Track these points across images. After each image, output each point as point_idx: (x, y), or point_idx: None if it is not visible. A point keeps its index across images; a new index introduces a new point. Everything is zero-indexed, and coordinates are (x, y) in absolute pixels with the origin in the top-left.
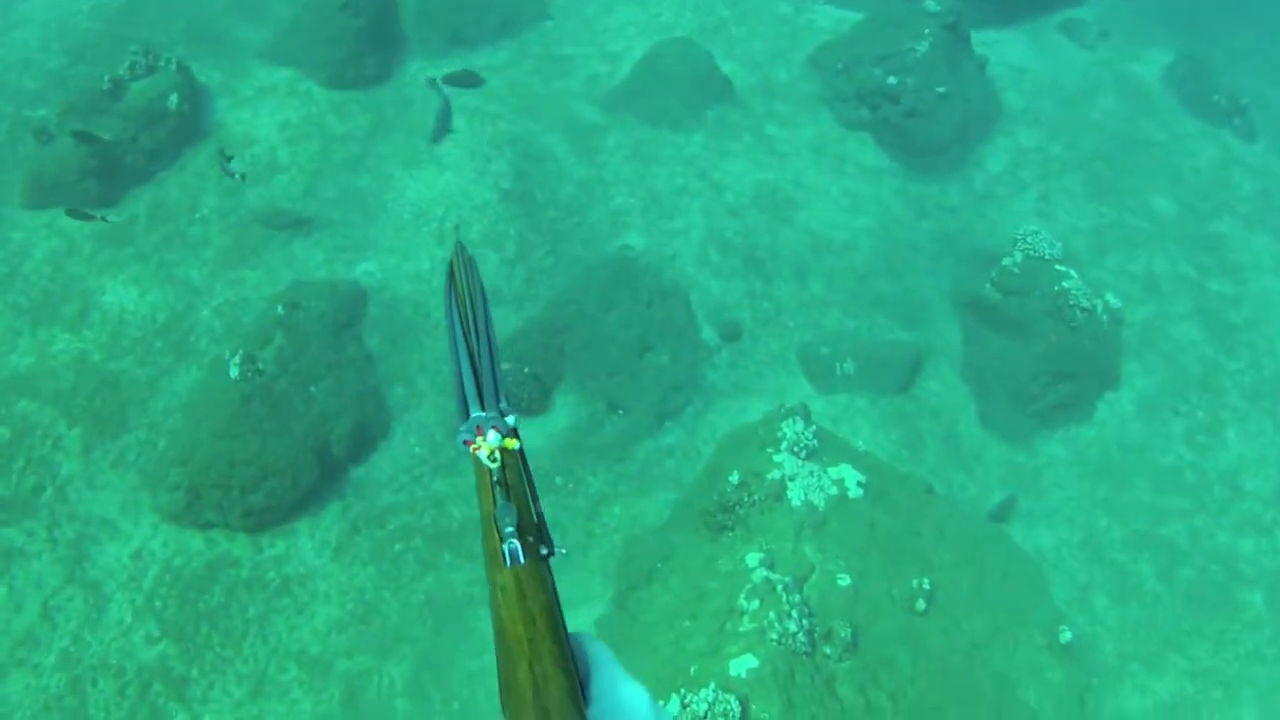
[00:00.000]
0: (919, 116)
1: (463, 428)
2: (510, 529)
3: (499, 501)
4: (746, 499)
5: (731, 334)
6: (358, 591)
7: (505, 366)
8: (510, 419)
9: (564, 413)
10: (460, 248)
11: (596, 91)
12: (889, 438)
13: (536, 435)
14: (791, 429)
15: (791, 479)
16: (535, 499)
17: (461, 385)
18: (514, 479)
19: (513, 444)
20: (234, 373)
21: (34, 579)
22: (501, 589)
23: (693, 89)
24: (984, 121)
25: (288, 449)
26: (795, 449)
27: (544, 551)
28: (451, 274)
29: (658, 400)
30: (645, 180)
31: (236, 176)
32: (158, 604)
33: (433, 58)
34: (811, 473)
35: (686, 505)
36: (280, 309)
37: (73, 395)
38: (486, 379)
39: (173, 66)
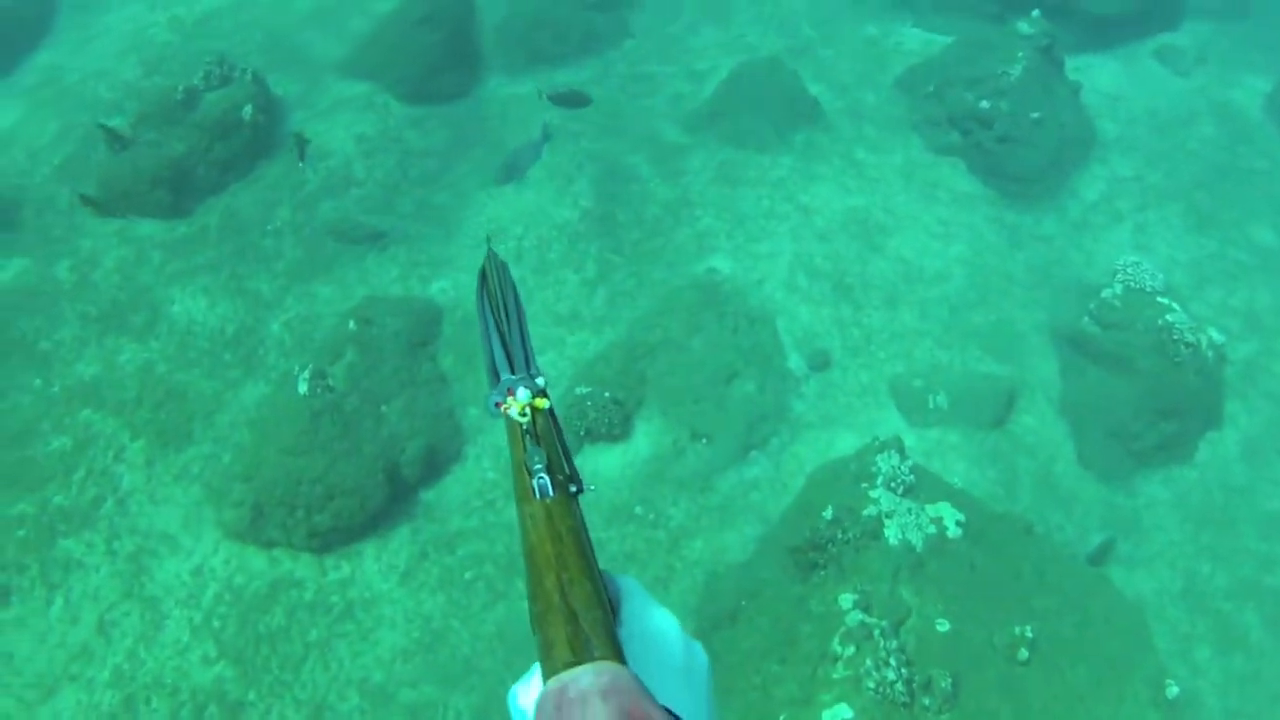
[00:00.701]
0: (1012, 142)
1: (493, 392)
2: (539, 467)
3: (528, 447)
4: (840, 536)
5: (820, 363)
6: (425, 619)
7: (583, 390)
8: (540, 380)
9: (645, 440)
10: (492, 253)
11: (680, 111)
12: (983, 475)
13: (616, 464)
14: (887, 463)
15: (888, 516)
16: (566, 451)
17: (492, 358)
18: (544, 432)
19: (543, 403)
20: (303, 388)
21: (91, 592)
22: (531, 517)
23: (780, 110)
24: (1078, 148)
25: (357, 469)
26: (891, 484)
27: (573, 489)
28: (484, 274)
29: (743, 430)
30: (731, 203)
31: (302, 165)
32: (216, 623)
33: (513, 74)
34: (909, 510)
35: (773, 541)
36: (352, 324)
37: (137, 406)
38: (516, 349)
39: (248, 77)
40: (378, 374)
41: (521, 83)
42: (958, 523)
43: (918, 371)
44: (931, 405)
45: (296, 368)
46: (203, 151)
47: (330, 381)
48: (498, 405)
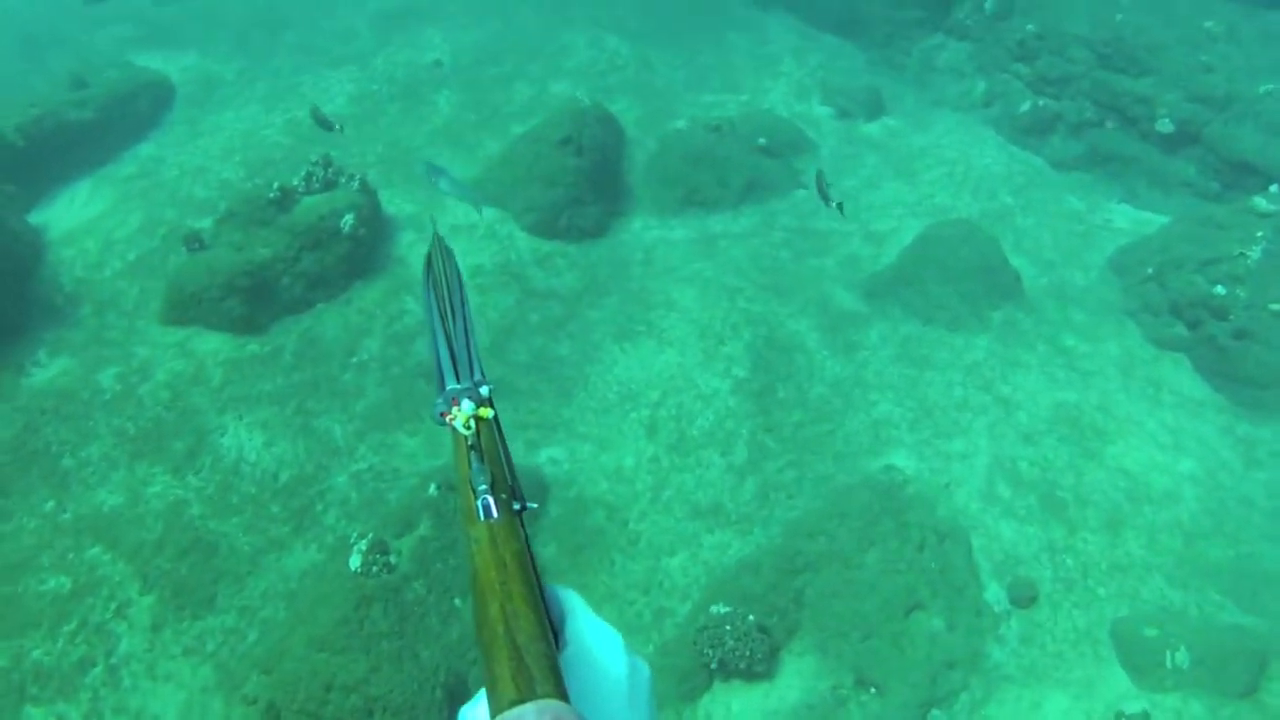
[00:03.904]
0: (1249, 338)
1: (439, 400)
2: (484, 486)
3: (473, 464)
4: None
5: (1025, 597)
6: None
7: (721, 609)
8: (484, 389)
9: (794, 681)
10: (438, 238)
11: (857, 275)
12: None
13: (754, 710)
14: None
15: None
16: (509, 463)
17: (439, 363)
18: (488, 444)
19: (487, 413)
20: (355, 563)
21: None
22: (475, 540)
23: (975, 282)
24: None
25: (408, 680)
26: None
27: (516, 507)
28: (429, 263)
29: (924, 680)
30: (916, 387)
31: (337, 128)
32: None
33: (663, 215)
34: None
35: None
36: (434, 489)
37: (156, 552)
38: (461, 355)
39: (355, 184)
40: (454, 556)
41: (671, 226)
42: None
43: (1147, 617)
44: (1170, 664)
45: (354, 535)
46: (289, 260)
47: (393, 558)
48: (442, 415)
